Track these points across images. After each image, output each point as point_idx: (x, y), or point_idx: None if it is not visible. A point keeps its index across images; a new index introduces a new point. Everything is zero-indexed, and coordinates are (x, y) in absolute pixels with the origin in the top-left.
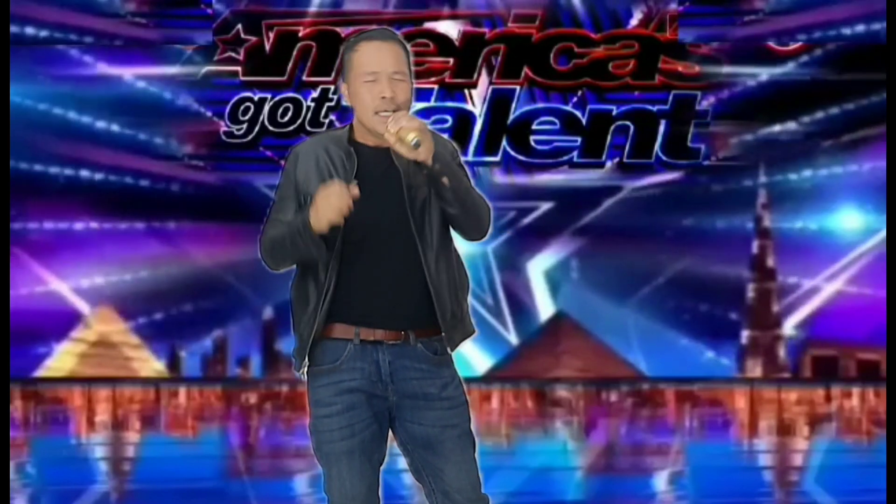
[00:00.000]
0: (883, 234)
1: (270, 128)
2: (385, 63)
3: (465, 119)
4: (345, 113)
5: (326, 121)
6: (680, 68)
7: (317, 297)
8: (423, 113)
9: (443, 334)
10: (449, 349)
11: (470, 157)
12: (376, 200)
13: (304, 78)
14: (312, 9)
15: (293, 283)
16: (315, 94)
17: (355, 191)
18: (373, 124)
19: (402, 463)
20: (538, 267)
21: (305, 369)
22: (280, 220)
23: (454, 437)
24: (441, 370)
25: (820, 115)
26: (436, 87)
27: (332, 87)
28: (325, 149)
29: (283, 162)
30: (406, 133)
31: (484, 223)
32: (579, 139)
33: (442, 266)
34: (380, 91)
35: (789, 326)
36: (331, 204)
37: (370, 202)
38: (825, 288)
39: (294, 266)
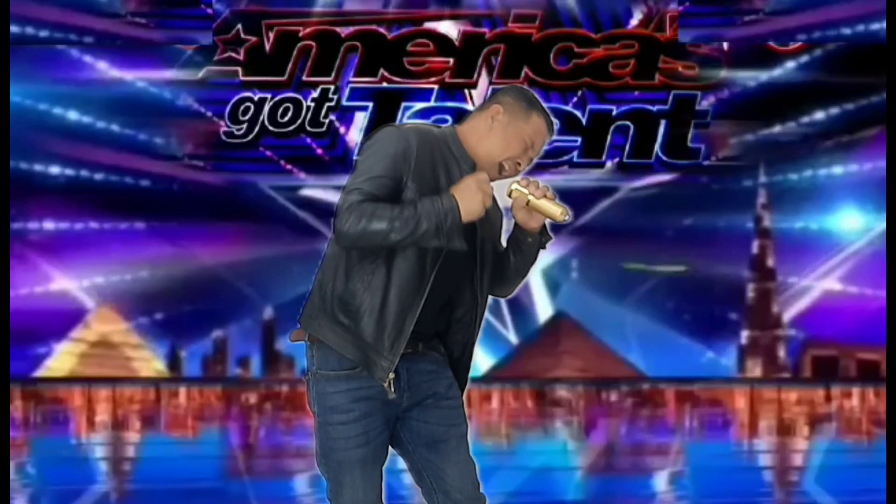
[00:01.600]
0: (883, 233)
1: (270, 128)
2: (539, 150)
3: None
4: (344, 113)
5: (326, 121)
6: (680, 68)
7: (407, 307)
8: (423, 113)
9: (461, 377)
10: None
11: None
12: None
13: (304, 78)
14: (312, 9)
15: (355, 275)
16: (315, 94)
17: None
18: (488, 162)
19: (403, 463)
20: (538, 266)
21: (320, 373)
22: (377, 197)
23: (457, 436)
24: (446, 370)
25: (820, 115)
26: (436, 87)
27: (333, 87)
28: (440, 148)
29: (374, 137)
30: (555, 208)
31: (521, 283)
32: (579, 139)
33: (483, 318)
34: (521, 159)
35: (789, 326)
36: (488, 192)
37: None
38: (825, 288)
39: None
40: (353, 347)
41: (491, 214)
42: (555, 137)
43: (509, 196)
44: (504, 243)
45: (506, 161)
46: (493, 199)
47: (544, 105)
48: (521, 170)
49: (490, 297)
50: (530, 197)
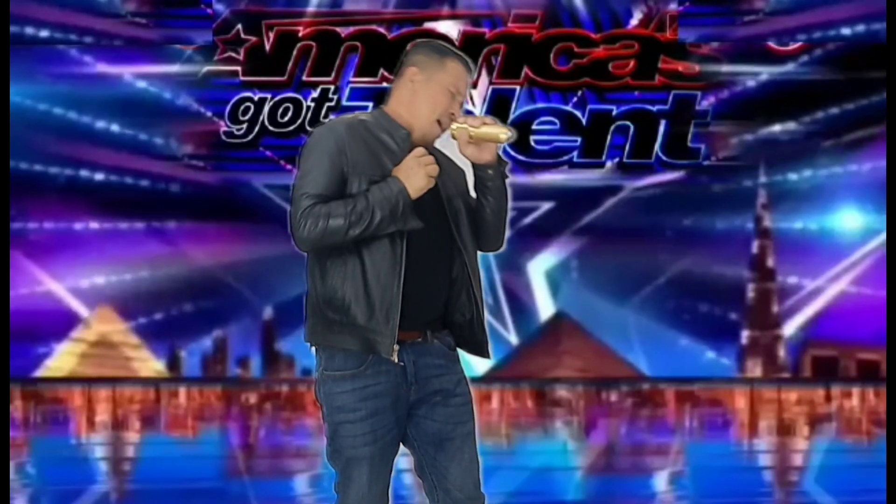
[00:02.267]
0: (883, 234)
1: (270, 128)
2: (466, 91)
3: None
4: (345, 113)
5: (326, 121)
6: (680, 68)
7: (388, 285)
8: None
9: (478, 339)
10: (483, 352)
11: None
12: (416, 207)
13: (304, 78)
14: (312, 9)
15: (331, 273)
16: (315, 94)
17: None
18: (425, 124)
19: (404, 463)
20: (538, 267)
21: (327, 373)
22: (325, 197)
23: (463, 434)
24: (455, 365)
25: (820, 115)
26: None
27: (333, 87)
28: (366, 129)
29: (306, 143)
30: (497, 131)
31: (505, 230)
32: (579, 139)
33: (478, 271)
34: (452, 108)
35: (789, 326)
36: (429, 166)
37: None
38: (825, 288)
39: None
40: (351, 337)
41: (448, 172)
42: (554, 137)
43: (453, 138)
44: (474, 193)
45: (440, 116)
46: (447, 156)
47: (455, 48)
48: (456, 118)
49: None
50: (470, 129)
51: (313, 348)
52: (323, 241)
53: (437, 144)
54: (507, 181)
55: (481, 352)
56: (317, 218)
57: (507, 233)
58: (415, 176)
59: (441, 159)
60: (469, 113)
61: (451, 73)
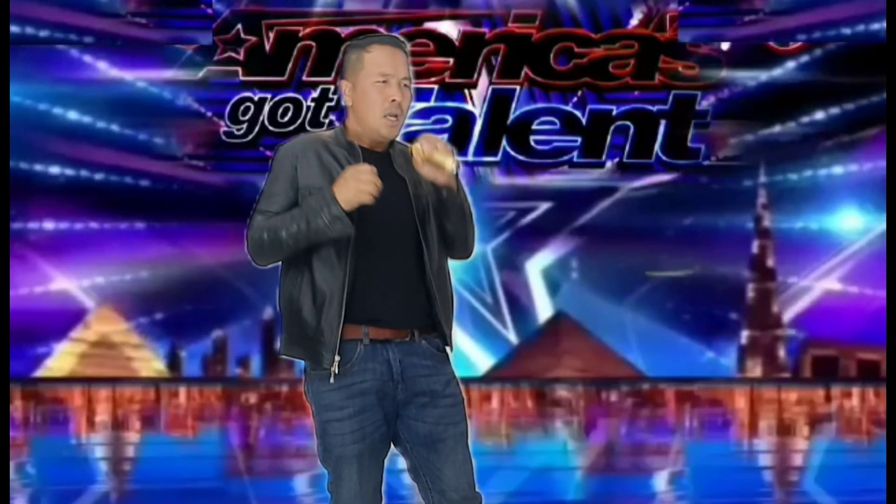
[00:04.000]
0: (883, 233)
1: (270, 128)
2: (397, 68)
3: (465, 119)
4: (344, 113)
5: (326, 121)
6: (680, 68)
7: (332, 292)
8: (423, 113)
9: (446, 331)
10: (448, 347)
11: (470, 158)
12: (380, 202)
13: (304, 78)
14: (312, 9)
15: (287, 283)
16: (315, 94)
17: (378, 181)
18: (378, 126)
19: (403, 463)
20: (538, 266)
21: (314, 372)
22: (274, 213)
23: (455, 435)
24: (444, 367)
25: (820, 115)
26: (436, 87)
27: (332, 87)
28: (324, 146)
29: (270, 160)
30: (445, 159)
31: (472, 240)
32: (579, 139)
33: (444, 269)
34: (391, 94)
35: (789, 326)
36: (363, 182)
37: (378, 202)
38: (825, 288)
39: (279, 263)
40: (300, 347)
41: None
42: (554, 137)
43: (410, 154)
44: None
45: (384, 111)
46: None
47: (377, 35)
48: (401, 102)
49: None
50: (422, 153)
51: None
52: (268, 252)
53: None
54: (468, 202)
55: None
56: (259, 232)
57: (507, 233)
58: (345, 189)
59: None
60: (429, 133)
61: (371, 64)
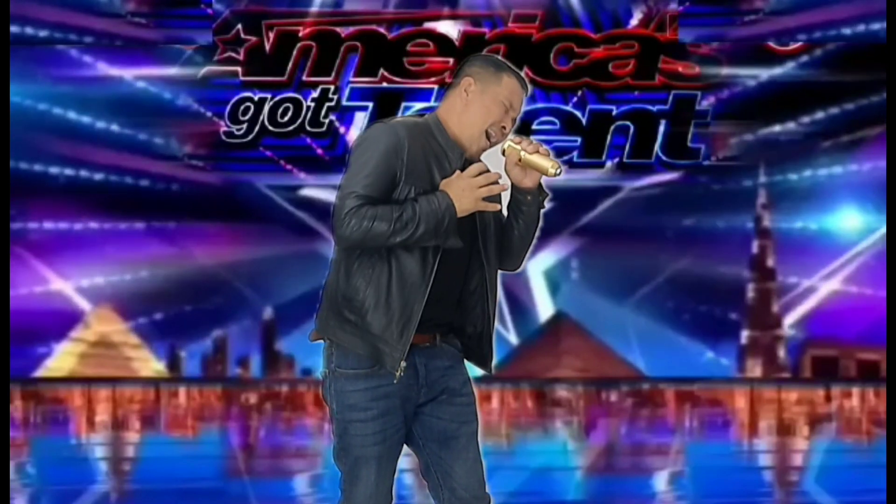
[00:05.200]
0: (883, 233)
1: (270, 128)
2: (520, 107)
3: None
4: (344, 113)
5: (326, 121)
6: (680, 68)
7: (414, 300)
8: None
9: (484, 352)
10: (486, 366)
11: None
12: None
13: (304, 78)
14: (312, 9)
15: (358, 271)
16: (315, 94)
17: (506, 185)
18: (477, 138)
19: (404, 463)
20: (538, 267)
21: (339, 371)
22: (374, 198)
23: (468, 434)
24: (461, 366)
25: (820, 115)
26: (436, 87)
27: (332, 87)
28: (427, 141)
29: (363, 137)
30: (547, 163)
31: (528, 253)
32: (579, 139)
33: (496, 287)
34: (504, 121)
35: (789, 326)
36: (476, 193)
37: None
38: (825, 288)
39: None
40: (363, 342)
41: None
42: (554, 137)
43: (503, 154)
44: (506, 211)
45: (490, 128)
46: (485, 166)
47: (512, 66)
48: (506, 132)
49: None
50: (522, 152)
51: (325, 342)
52: (364, 242)
53: (482, 156)
54: (543, 211)
55: (484, 365)
56: (362, 219)
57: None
58: (466, 198)
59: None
60: (525, 135)
61: (506, 87)
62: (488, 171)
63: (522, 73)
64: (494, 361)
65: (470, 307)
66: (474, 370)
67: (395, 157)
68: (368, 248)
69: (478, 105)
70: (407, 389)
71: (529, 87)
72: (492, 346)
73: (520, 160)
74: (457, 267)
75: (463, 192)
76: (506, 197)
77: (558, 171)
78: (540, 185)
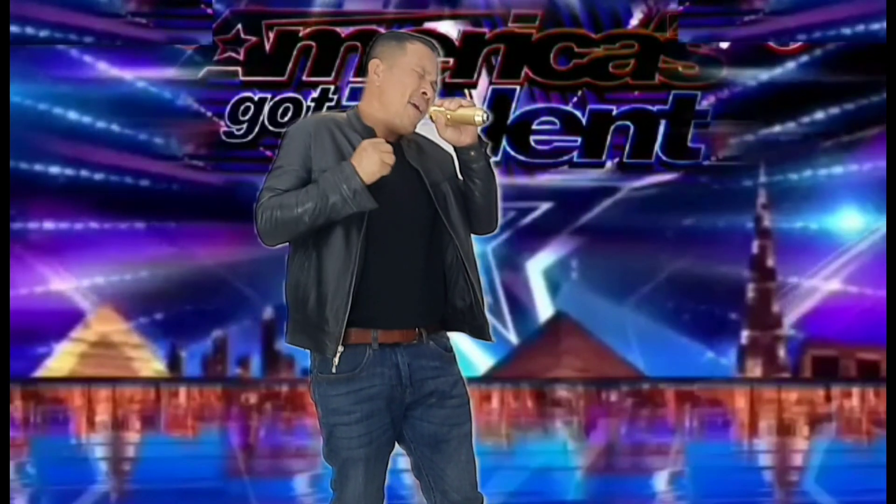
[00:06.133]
0: (883, 233)
1: (270, 128)
2: (434, 68)
3: None
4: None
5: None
6: (680, 68)
7: (340, 281)
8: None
9: (483, 320)
10: (485, 335)
11: None
12: (392, 196)
13: (304, 78)
14: (312, 9)
15: (294, 268)
16: (315, 94)
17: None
18: (402, 111)
19: (403, 463)
20: (538, 267)
21: (321, 376)
22: (284, 190)
23: (460, 436)
24: (451, 367)
25: (820, 115)
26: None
27: (333, 87)
28: (337, 127)
29: (282, 137)
30: (473, 112)
31: (497, 211)
32: (579, 139)
33: (473, 254)
34: (423, 87)
35: (789, 326)
36: (384, 153)
37: (388, 197)
38: (825, 288)
39: (286, 243)
40: (307, 337)
41: (433, 156)
42: (554, 137)
43: (432, 121)
44: (460, 176)
45: (411, 100)
46: (432, 141)
47: (414, 34)
48: (430, 97)
49: (490, 297)
50: (447, 112)
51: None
52: (279, 230)
53: (422, 131)
54: (492, 161)
55: (482, 334)
56: (271, 209)
57: (507, 233)
58: (367, 159)
59: (425, 144)
60: (447, 97)
61: (413, 54)
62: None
63: (427, 38)
64: (494, 361)
65: (453, 281)
66: (468, 370)
67: (305, 150)
68: (300, 245)
69: (391, 81)
70: (391, 390)
71: (439, 49)
72: (484, 315)
73: (448, 120)
74: (414, 243)
75: (364, 153)
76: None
77: (484, 115)
78: (479, 137)
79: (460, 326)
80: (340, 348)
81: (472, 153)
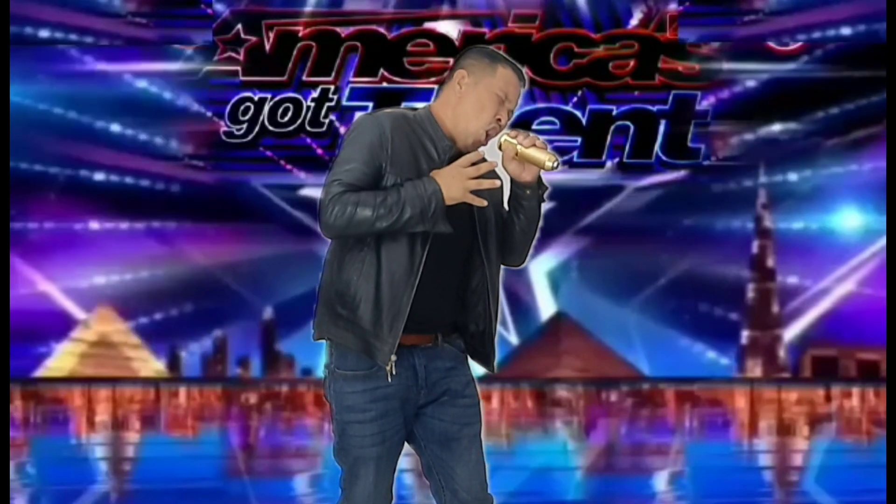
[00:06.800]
0: (883, 234)
1: (270, 128)
2: (516, 99)
3: None
4: (344, 113)
5: (326, 121)
6: (680, 68)
7: (401, 293)
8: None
9: (486, 351)
10: (489, 365)
11: None
12: (447, 213)
13: (304, 78)
14: (312, 9)
15: (348, 265)
16: (315, 94)
17: (497, 182)
18: (473, 132)
19: (404, 463)
20: (539, 267)
21: (338, 371)
22: (356, 186)
23: (470, 435)
24: (464, 367)
25: (820, 114)
26: (436, 87)
27: (332, 87)
28: (412, 130)
29: (352, 126)
30: (545, 156)
31: (530, 248)
32: (579, 139)
33: (498, 285)
34: (500, 113)
35: (789, 326)
36: (464, 184)
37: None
38: (825, 288)
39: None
40: (354, 337)
41: (485, 179)
42: (554, 137)
43: (499, 148)
44: (507, 207)
45: (486, 125)
46: (488, 162)
47: (508, 57)
48: (503, 125)
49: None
50: (518, 146)
51: (325, 342)
52: (348, 229)
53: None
54: (543, 205)
55: (487, 364)
56: (345, 205)
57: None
58: (455, 185)
59: (483, 166)
60: (521, 129)
61: (501, 78)
62: (485, 160)
63: (518, 65)
64: (495, 361)
65: (472, 305)
66: (477, 369)
67: (379, 147)
68: (358, 241)
69: (472, 97)
70: (406, 391)
71: (526, 79)
72: (494, 345)
73: (516, 154)
74: (454, 261)
75: (452, 179)
76: (507, 194)
77: (555, 164)
78: (539, 178)
79: (468, 351)
80: (393, 357)
81: (528, 191)
